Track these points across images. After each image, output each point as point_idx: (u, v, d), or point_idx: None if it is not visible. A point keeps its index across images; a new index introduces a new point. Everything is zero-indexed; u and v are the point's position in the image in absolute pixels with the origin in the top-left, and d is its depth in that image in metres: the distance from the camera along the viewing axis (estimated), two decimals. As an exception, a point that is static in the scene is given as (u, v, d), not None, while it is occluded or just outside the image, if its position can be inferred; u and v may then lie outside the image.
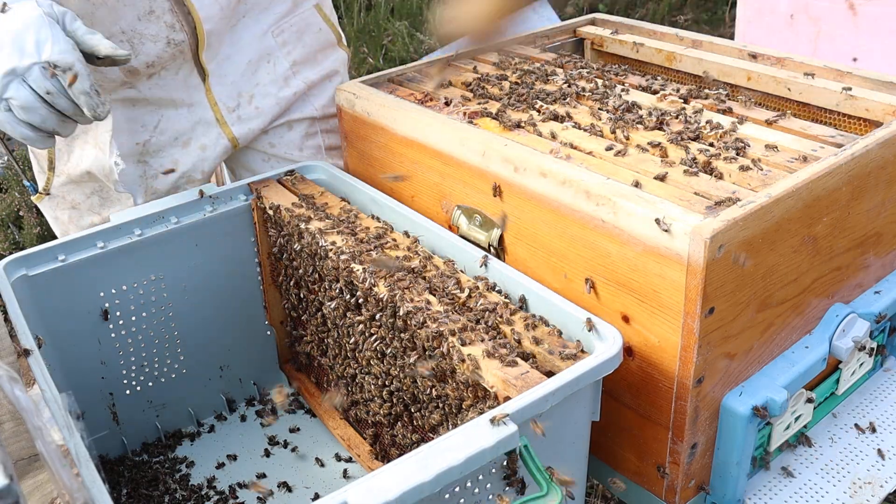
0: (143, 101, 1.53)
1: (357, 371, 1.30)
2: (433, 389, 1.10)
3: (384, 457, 1.33)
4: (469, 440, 0.86)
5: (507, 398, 0.92)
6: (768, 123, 1.27)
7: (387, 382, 1.22)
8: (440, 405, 1.11)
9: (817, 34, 2.64)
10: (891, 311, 1.25)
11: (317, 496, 1.32)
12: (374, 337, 1.20)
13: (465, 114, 1.32)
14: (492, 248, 1.25)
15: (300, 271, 1.36)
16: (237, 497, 1.33)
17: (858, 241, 1.19)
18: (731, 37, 3.91)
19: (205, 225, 1.39)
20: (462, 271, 1.17)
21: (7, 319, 1.16)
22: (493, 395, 0.98)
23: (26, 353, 1.06)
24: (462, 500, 0.91)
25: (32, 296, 1.24)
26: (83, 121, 1.20)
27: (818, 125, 1.27)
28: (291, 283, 1.41)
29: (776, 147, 1.18)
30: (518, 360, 0.99)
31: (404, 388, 1.18)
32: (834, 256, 1.16)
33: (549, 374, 0.96)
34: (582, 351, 1.01)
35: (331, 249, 1.24)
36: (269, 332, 1.54)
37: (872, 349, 1.28)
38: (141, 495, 1.33)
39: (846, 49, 2.58)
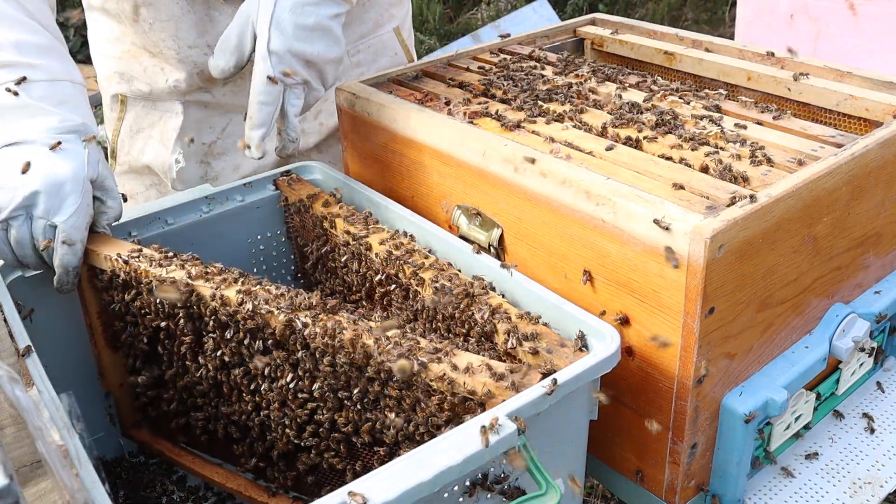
0: (216, 104, 1.54)
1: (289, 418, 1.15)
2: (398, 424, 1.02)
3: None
4: (468, 439, 0.86)
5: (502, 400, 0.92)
6: (768, 123, 1.27)
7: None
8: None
9: (817, 34, 2.65)
10: (891, 311, 1.25)
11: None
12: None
13: (465, 114, 1.32)
14: (492, 249, 1.25)
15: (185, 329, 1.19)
16: (235, 499, 1.33)
17: (858, 241, 1.19)
18: (731, 37, 3.91)
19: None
20: (459, 272, 1.17)
21: (6, 320, 1.16)
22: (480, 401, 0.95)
23: (28, 351, 1.06)
24: (461, 500, 0.91)
25: (31, 296, 1.23)
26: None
27: (818, 125, 1.27)
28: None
29: (775, 147, 1.18)
30: (512, 361, 1.00)
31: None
32: (834, 256, 1.16)
33: (548, 373, 0.96)
34: (580, 350, 1.01)
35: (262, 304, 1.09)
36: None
37: (872, 349, 1.28)
38: (139, 497, 1.33)
39: (846, 49, 2.58)
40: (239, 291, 1.10)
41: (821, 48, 2.65)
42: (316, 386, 1.07)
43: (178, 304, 1.15)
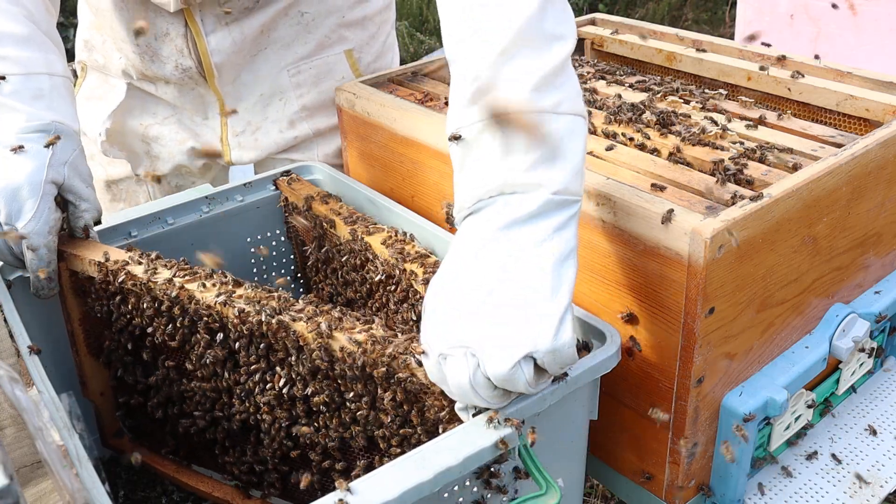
0: (158, 98, 1.55)
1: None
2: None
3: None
4: (468, 439, 0.86)
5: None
6: (768, 123, 1.27)
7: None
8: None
9: (817, 34, 2.65)
10: (891, 311, 1.25)
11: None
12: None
13: (464, 114, 1.32)
14: (491, 248, 1.25)
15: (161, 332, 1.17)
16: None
17: (858, 241, 1.19)
18: (731, 37, 3.91)
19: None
20: None
21: (6, 320, 1.16)
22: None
23: (30, 351, 1.06)
24: (461, 499, 0.91)
25: (30, 297, 1.23)
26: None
27: (818, 125, 1.27)
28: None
29: (776, 147, 1.18)
30: None
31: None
32: (834, 256, 1.16)
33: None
34: (580, 350, 1.01)
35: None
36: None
37: (872, 349, 1.28)
38: (138, 497, 1.33)
39: (846, 49, 2.58)
40: (220, 293, 1.09)
41: (821, 48, 2.65)
42: (309, 389, 1.07)
43: (164, 307, 1.13)
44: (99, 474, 0.88)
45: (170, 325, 1.15)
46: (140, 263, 1.16)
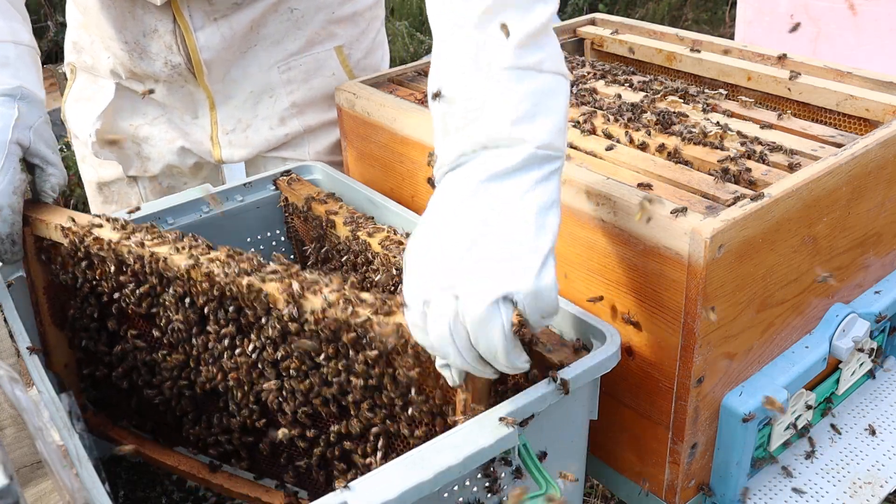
0: (148, 99, 1.55)
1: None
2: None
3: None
4: (468, 439, 0.86)
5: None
6: (768, 123, 1.27)
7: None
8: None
9: (817, 34, 2.64)
10: (891, 311, 1.25)
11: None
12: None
13: (464, 114, 1.32)
14: (491, 248, 1.25)
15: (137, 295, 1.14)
16: (234, 499, 1.33)
17: (858, 241, 1.19)
18: (731, 37, 3.91)
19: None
20: None
21: (6, 320, 1.16)
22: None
23: (30, 351, 1.06)
24: (461, 499, 0.91)
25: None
26: None
27: (818, 125, 1.27)
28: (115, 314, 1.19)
29: (776, 147, 1.18)
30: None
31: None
32: (834, 256, 1.16)
33: (547, 372, 0.96)
34: (580, 350, 1.01)
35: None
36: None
37: (872, 349, 1.28)
38: (138, 497, 1.33)
39: (846, 49, 2.58)
40: (191, 256, 1.06)
41: (821, 48, 2.65)
42: (279, 353, 1.03)
43: (132, 270, 1.10)
44: (99, 474, 0.88)
45: (138, 290, 1.12)
46: (108, 226, 1.14)
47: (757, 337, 1.10)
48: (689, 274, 0.97)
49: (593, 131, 1.27)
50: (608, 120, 1.28)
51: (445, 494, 0.89)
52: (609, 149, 1.20)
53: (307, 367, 1.02)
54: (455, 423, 0.90)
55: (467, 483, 0.91)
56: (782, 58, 1.41)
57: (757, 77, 1.39)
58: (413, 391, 0.94)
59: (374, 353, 0.95)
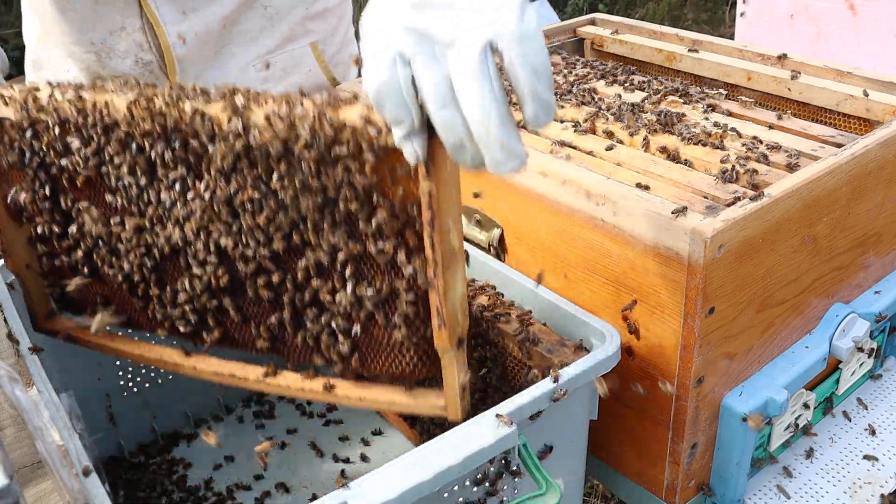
0: None
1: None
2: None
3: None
4: (468, 439, 0.86)
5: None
6: (768, 123, 1.27)
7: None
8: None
9: (817, 34, 2.65)
10: (891, 311, 1.25)
11: (315, 497, 1.32)
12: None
13: (464, 114, 1.32)
14: (492, 248, 1.25)
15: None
16: (235, 498, 1.33)
17: (858, 241, 1.19)
18: (731, 37, 3.91)
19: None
20: None
21: (6, 320, 1.16)
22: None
23: (30, 351, 1.06)
24: (461, 499, 0.91)
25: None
26: None
27: (818, 125, 1.27)
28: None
29: (776, 147, 1.18)
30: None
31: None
32: (834, 256, 1.16)
33: (547, 371, 0.96)
34: (579, 350, 1.01)
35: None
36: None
37: (872, 350, 1.28)
38: (138, 497, 1.33)
39: (846, 49, 2.58)
40: (134, 97, 0.98)
41: (821, 48, 2.65)
42: (232, 187, 0.95)
43: (76, 125, 1.02)
44: (99, 474, 0.88)
45: (85, 149, 1.06)
46: (47, 89, 1.07)
47: (757, 337, 1.10)
48: (689, 274, 0.97)
49: (593, 131, 1.27)
50: (608, 120, 1.28)
51: (445, 494, 0.89)
52: (609, 149, 1.20)
53: (261, 195, 0.95)
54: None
55: (467, 483, 0.91)
56: (782, 58, 1.41)
57: (757, 77, 1.39)
58: (375, 196, 0.87)
59: (343, 149, 0.86)
